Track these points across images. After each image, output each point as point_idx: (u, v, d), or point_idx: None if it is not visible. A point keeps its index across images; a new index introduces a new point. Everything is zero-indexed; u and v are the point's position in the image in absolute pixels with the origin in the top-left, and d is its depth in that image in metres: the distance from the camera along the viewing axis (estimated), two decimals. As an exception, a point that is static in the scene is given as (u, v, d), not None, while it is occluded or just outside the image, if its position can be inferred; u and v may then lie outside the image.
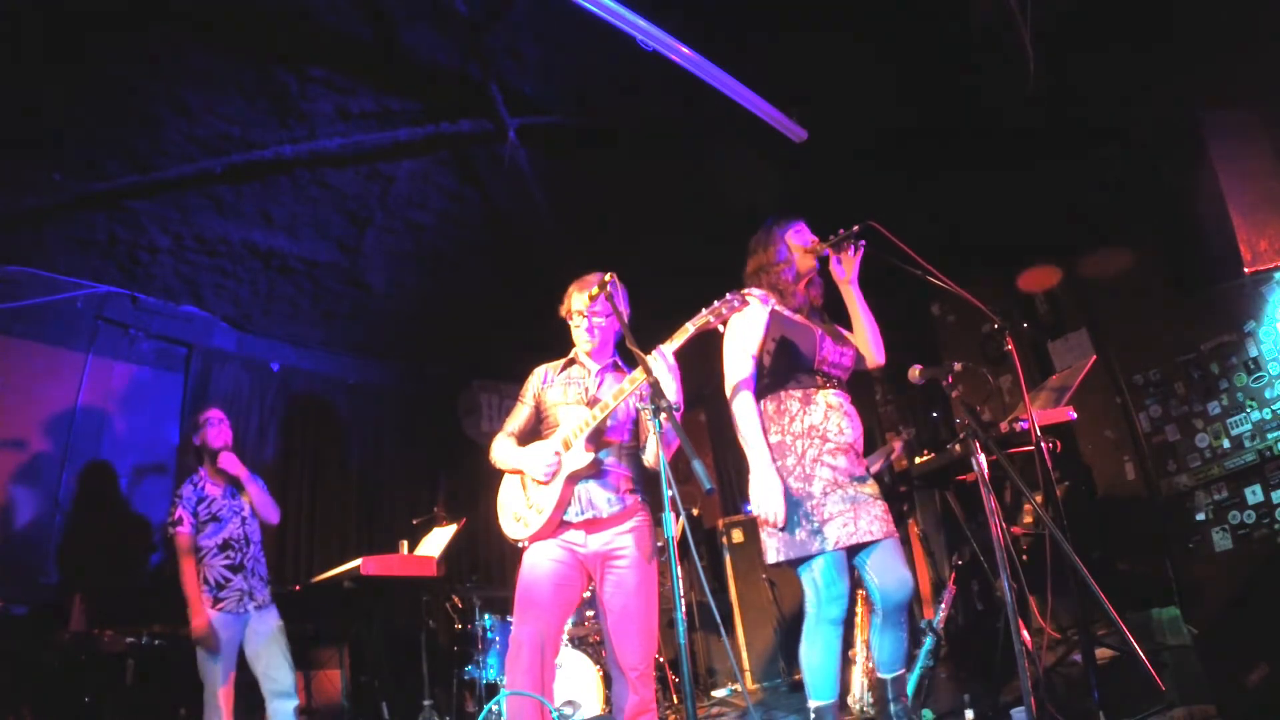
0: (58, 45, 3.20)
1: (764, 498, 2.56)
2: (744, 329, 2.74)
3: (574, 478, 2.70)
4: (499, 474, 2.95)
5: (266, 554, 4.04)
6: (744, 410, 2.65)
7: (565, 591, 2.68)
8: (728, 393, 2.70)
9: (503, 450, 2.88)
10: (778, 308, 2.79)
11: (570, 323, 2.91)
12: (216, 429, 3.96)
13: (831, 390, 2.73)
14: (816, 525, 2.53)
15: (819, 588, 2.53)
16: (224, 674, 3.60)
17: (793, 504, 2.57)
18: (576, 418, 2.72)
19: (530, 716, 2.51)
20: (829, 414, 2.66)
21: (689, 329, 2.50)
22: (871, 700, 3.55)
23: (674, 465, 2.26)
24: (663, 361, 2.49)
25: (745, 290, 2.71)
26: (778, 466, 2.62)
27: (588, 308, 2.82)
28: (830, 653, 2.55)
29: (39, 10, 3.02)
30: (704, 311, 2.49)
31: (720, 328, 2.51)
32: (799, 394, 2.70)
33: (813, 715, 2.59)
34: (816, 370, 2.73)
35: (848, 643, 3.72)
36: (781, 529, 2.56)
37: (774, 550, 2.61)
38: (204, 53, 3.36)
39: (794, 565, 2.59)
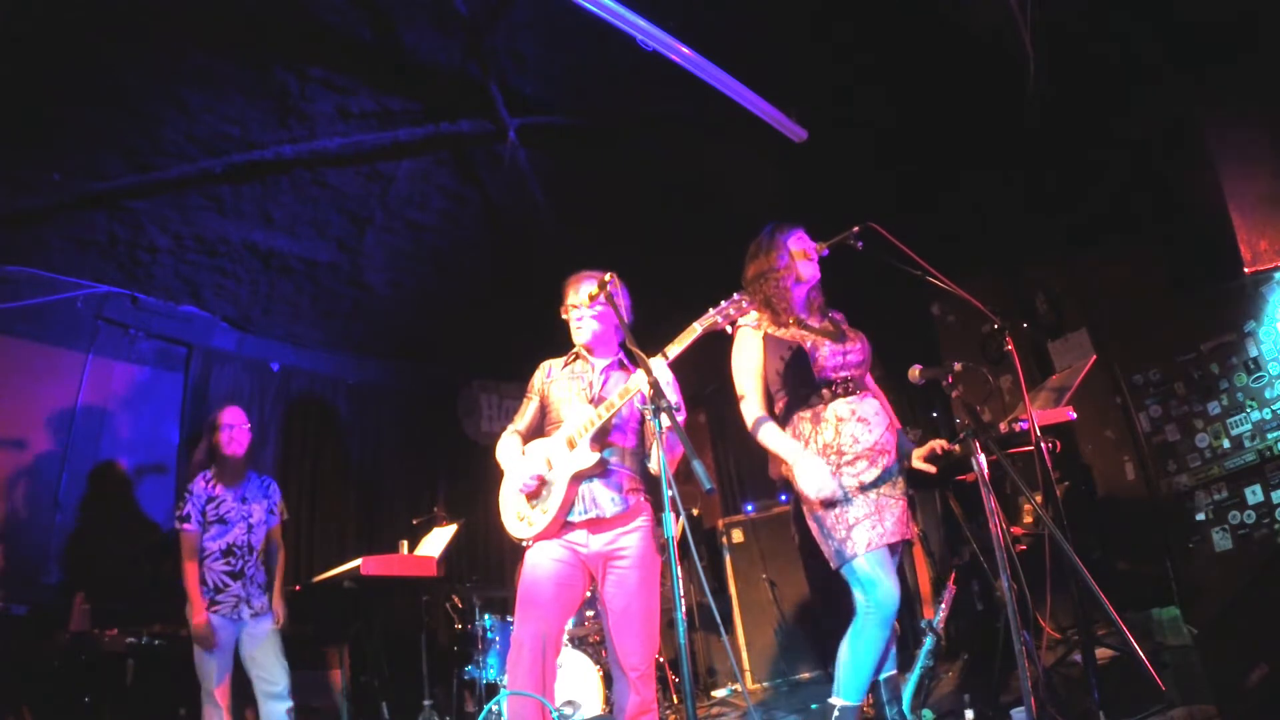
0: (57, 45, 3.19)
1: (812, 479, 2.60)
2: (745, 356, 2.82)
3: (579, 477, 2.69)
4: (500, 473, 2.95)
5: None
6: (767, 434, 2.74)
7: (567, 591, 2.68)
8: (748, 425, 2.79)
9: (504, 449, 2.89)
10: (769, 330, 2.81)
11: (567, 315, 2.92)
12: (229, 434, 3.90)
13: (841, 399, 2.73)
14: (844, 533, 2.60)
15: (865, 589, 2.57)
16: (220, 674, 3.61)
17: (820, 515, 2.65)
18: (581, 416, 2.72)
19: (531, 716, 2.51)
20: (840, 428, 2.69)
21: (696, 329, 2.50)
22: (869, 701, 3.54)
23: (674, 466, 2.26)
24: (664, 364, 2.50)
25: (740, 324, 2.77)
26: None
27: (583, 304, 2.82)
28: (874, 653, 2.57)
29: (39, 10, 3.02)
30: (711, 312, 2.49)
31: (727, 329, 2.51)
32: (808, 414, 2.74)
33: (836, 713, 2.57)
34: (820, 382, 2.74)
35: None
36: (823, 539, 2.65)
37: (829, 558, 2.68)
38: (204, 53, 3.36)
39: (840, 570, 2.65)
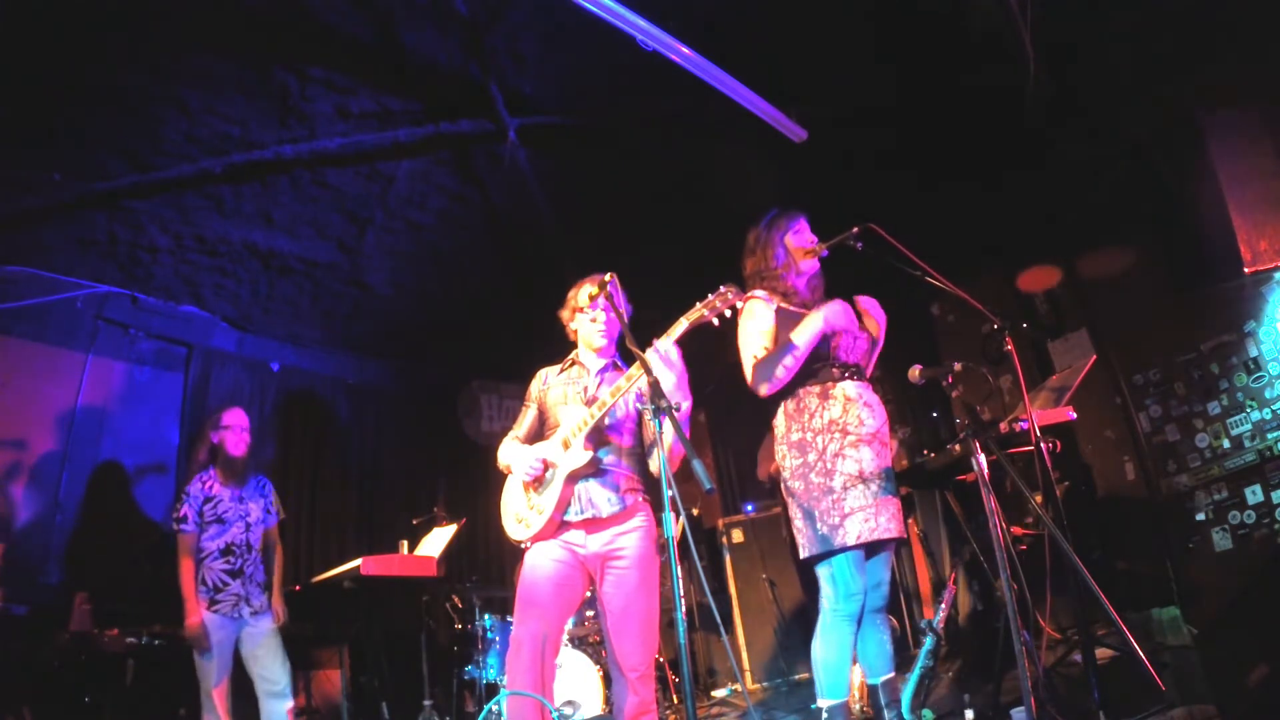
0: (58, 45, 3.19)
1: (832, 312, 2.67)
2: (754, 329, 2.76)
3: (574, 477, 2.69)
4: (500, 474, 2.96)
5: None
6: (767, 367, 2.69)
7: (566, 591, 2.68)
8: (751, 378, 2.75)
9: (505, 452, 2.90)
10: (782, 305, 2.80)
11: (573, 323, 2.91)
12: (237, 436, 3.92)
13: (850, 381, 2.73)
14: (837, 520, 2.55)
15: (837, 584, 2.55)
16: (219, 674, 3.60)
17: (814, 498, 2.60)
18: (575, 417, 2.72)
19: (530, 716, 2.50)
20: (848, 406, 2.67)
21: (683, 323, 2.52)
22: (867, 703, 3.54)
23: (675, 466, 2.27)
24: (658, 356, 2.50)
25: (748, 293, 2.74)
26: (800, 463, 2.66)
27: (590, 304, 2.83)
28: (845, 650, 2.55)
29: (39, 10, 3.02)
30: (697, 305, 2.50)
31: (714, 321, 2.51)
32: (816, 389, 2.71)
33: (825, 715, 2.56)
34: (833, 361, 2.74)
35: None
36: (806, 526, 2.61)
37: (803, 547, 2.65)
38: (204, 53, 3.36)
39: (818, 561, 2.61)
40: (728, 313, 2.49)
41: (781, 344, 2.70)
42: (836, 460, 2.61)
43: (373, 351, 6.23)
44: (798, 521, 2.66)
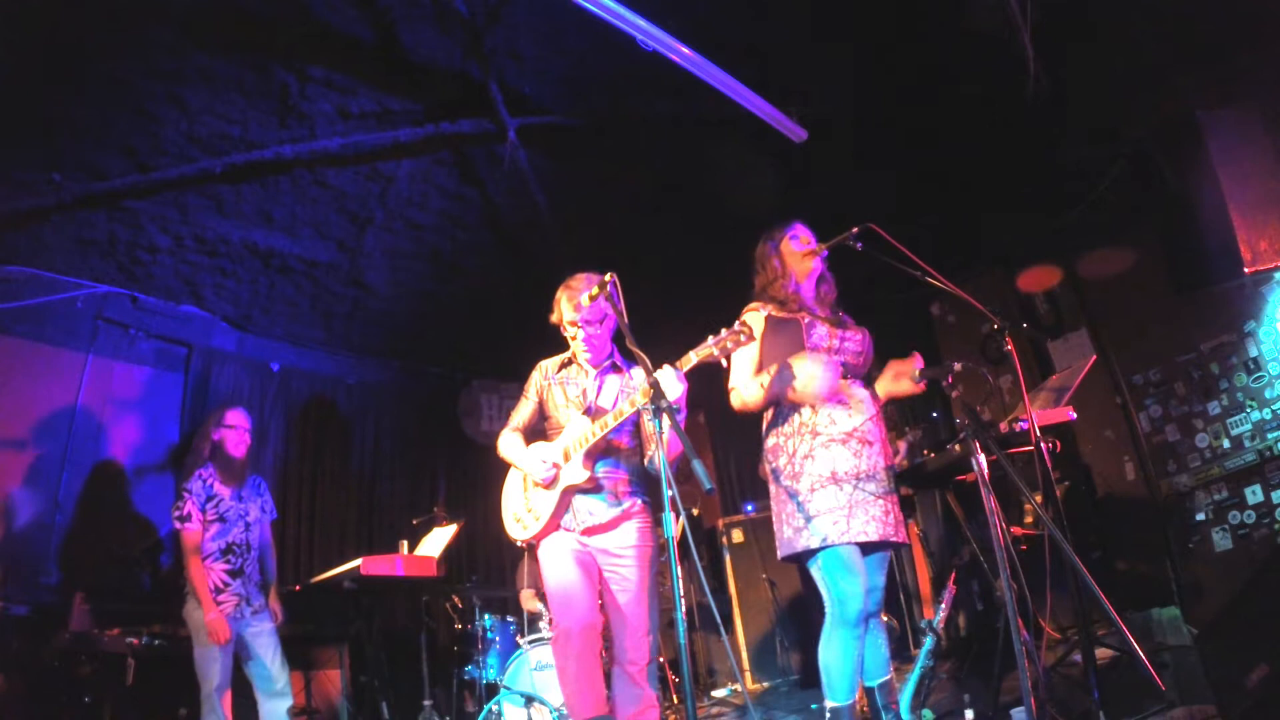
0: (58, 45, 3.19)
1: (812, 378, 2.54)
2: (742, 360, 2.74)
3: (571, 490, 2.73)
4: (500, 473, 2.98)
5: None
6: (751, 385, 2.66)
7: (590, 578, 2.74)
8: (734, 397, 2.74)
9: (508, 445, 2.92)
10: (773, 313, 2.77)
11: (565, 332, 2.91)
12: (239, 436, 3.92)
13: None
14: (802, 522, 2.52)
15: (826, 586, 2.51)
16: (221, 674, 3.60)
17: (782, 501, 2.61)
18: (577, 429, 2.74)
19: (589, 698, 2.60)
20: (817, 406, 2.61)
21: (692, 359, 2.47)
22: (865, 704, 3.54)
23: (674, 466, 2.27)
24: (672, 373, 2.47)
25: (749, 307, 2.76)
26: (773, 467, 2.67)
27: (580, 316, 2.81)
28: (846, 655, 2.49)
29: (39, 10, 3.02)
30: (709, 341, 2.43)
31: (723, 362, 2.46)
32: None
33: (828, 715, 2.55)
34: None
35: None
36: (777, 528, 2.63)
37: (778, 547, 2.64)
38: (204, 53, 3.36)
39: (797, 562, 2.61)
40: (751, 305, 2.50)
41: (764, 374, 2.65)
42: (805, 462, 2.56)
43: (373, 351, 6.22)
44: (776, 516, 2.67)
